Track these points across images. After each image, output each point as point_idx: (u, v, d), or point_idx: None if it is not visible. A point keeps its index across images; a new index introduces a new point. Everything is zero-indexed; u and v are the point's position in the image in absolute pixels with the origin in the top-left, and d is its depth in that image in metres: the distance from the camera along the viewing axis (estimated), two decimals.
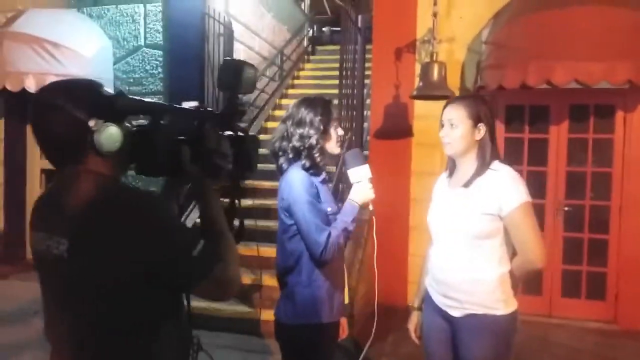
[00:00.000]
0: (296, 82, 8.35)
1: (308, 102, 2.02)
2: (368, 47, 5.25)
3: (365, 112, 5.46)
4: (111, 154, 1.12)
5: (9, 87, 5.12)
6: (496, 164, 1.91)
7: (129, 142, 1.15)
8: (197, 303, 4.20)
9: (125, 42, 5.95)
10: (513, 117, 4.71)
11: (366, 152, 5.16)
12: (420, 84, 4.13)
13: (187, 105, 1.30)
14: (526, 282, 2.00)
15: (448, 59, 4.59)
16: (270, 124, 7.00)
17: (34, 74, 5.20)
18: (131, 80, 5.90)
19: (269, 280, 3.95)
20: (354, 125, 5.17)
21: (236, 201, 1.36)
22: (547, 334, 4.18)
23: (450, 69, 4.54)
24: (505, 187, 1.83)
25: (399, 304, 4.36)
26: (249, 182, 5.26)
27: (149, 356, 1.14)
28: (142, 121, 1.25)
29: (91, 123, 1.09)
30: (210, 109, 1.29)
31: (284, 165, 2.00)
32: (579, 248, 4.55)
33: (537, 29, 3.85)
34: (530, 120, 4.66)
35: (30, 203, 5.73)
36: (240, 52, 6.82)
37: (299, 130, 1.96)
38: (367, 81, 5.32)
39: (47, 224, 1.15)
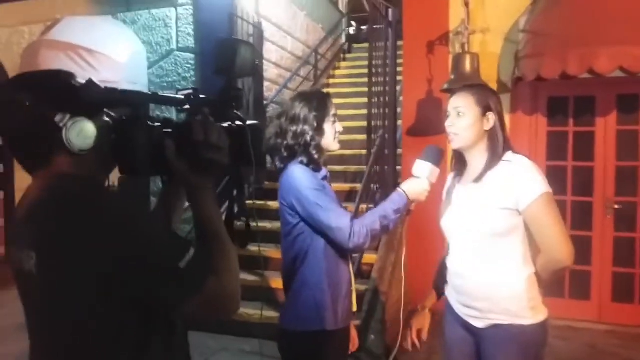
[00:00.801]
0: (331, 81, 8.22)
1: (303, 96, 1.90)
2: (400, 43, 5.07)
3: (399, 110, 5.28)
4: (86, 153, 0.99)
5: None
6: (509, 155, 1.74)
7: (107, 139, 1.01)
8: None
9: (158, 47, 6.00)
10: (556, 110, 4.43)
11: (400, 151, 5.00)
12: (452, 77, 3.94)
13: (182, 94, 1.15)
14: (550, 285, 1.78)
15: (483, 51, 4.36)
16: None
17: None
18: (165, 84, 5.94)
19: None
20: (386, 123, 5.00)
21: (239, 201, 1.24)
22: (596, 342, 3.89)
23: (486, 61, 4.33)
24: (521, 178, 1.66)
25: (434, 310, 4.17)
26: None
27: None
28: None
29: (57, 118, 0.96)
30: (202, 96, 1.13)
31: (279, 164, 1.89)
32: (631, 249, 4.24)
33: (577, 13, 3.60)
34: (575, 112, 4.38)
35: None
36: (272, 52, 6.76)
37: (293, 127, 1.84)
38: (399, 78, 5.14)
39: (18, 236, 1.04)
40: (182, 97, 1.16)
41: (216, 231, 1.05)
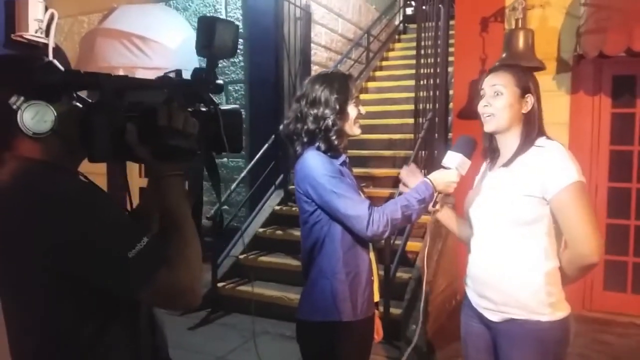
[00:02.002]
0: (384, 63, 8.01)
1: (324, 78, 1.80)
2: (452, 23, 4.84)
3: (450, 92, 5.06)
4: (43, 136, 0.97)
5: None
6: (542, 140, 1.63)
7: (73, 123, 0.98)
8: (267, 291, 4.16)
9: None
10: (622, 90, 4.08)
11: (450, 135, 4.80)
12: (504, 54, 3.70)
13: (167, 74, 1.11)
14: (574, 280, 1.67)
15: (542, 26, 4.07)
16: None
17: (124, 67, 5.44)
18: (215, 70, 5.99)
19: None
20: (437, 106, 4.81)
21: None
22: None
23: (545, 37, 4.04)
24: (552, 165, 1.55)
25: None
26: None
27: None
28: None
29: (12, 100, 0.95)
30: (180, 79, 1.09)
31: (299, 150, 1.81)
32: None
33: None
34: None
35: None
36: (322, 35, 6.66)
37: (314, 111, 1.76)
38: (451, 59, 4.91)
39: None
40: (157, 80, 1.11)
41: (177, 221, 1.02)
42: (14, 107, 0.95)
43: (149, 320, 1.11)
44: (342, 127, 1.76)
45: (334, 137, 1.75)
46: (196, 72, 1.09)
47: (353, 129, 1.81)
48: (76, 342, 0.98)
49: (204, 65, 1.12)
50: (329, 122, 1.74)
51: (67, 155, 1.04)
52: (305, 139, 1.78)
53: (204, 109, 1.11)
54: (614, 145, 4.06)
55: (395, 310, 3.59)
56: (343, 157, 1.81)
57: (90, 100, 1.03)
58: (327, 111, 1.74)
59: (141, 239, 0.95)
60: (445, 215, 1.88)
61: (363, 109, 1.83)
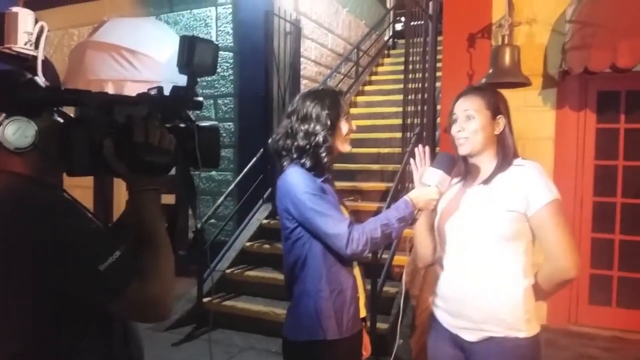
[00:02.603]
0: (374, 78, 8.09)
1: (314, 94, 1.80)
2: (439, 39, 4.90)
3: (438, 107, 5.11)
4: (25, 152, 1.00)
5: None
6: (520, 160, 1.69)
7: (53, 138, 1.03)
8: (254, 306, 4.14)
9: None
10: (606, 106, 4.14)
11: (438, 149, 4.84)
12: (491, 70, 3.75)
13: (150, 91, 1.15)
14: (549, 296, 1.72)
15: (528, 43, 4.14)
16: None
17: (113, 80, 5.44)
18: (204, 83, 6.01)
19: None
20: (424, 120, 4.85)
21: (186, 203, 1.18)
22: None
23: (531, 54, 4.11)
24: (533, 182, 1.60)
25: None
26: None
27: None
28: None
29: None
30: (159, 95, 1.12)
31: (286, 165, 1.81)
32: None
33: (627, 2, 3.33)
34: (627, 108, 4.06)
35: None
36: (311, 50, 6.72)
37: (304, 127, 1.75)
38: (439, 74, 4.97)
39: None
40: (136, 96, 1.14)
41: (151, 235, 1.06)
42: None
43: (123, 330, 1.13)
44: (332, 143, 1.76)
45: (323, 154, 1.74)
46: (175, 89, 1.13)
47: (344, 146, 1.81)
48: (53, 350, 1.01)
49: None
50: (320, 138, 1.73)
51: (47, 168, 1.07)
52: (295, 155, 1.77)
53: (182, 125, 1.14)
54: (598, 160, 4.11)
55: (382, 325, 3.59)
56: (327, 175, 1.80)
57: (70, 115, 1.07)
58: (318, 127, 1.74)
59: (114, 252, 0.98)
60: (422, 228, 1.84)
61: (354, 125, 1.83)
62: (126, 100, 1.12)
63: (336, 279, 1.74)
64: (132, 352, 1.16)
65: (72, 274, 0.96)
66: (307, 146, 1.74)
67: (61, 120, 1.06)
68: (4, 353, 1.01)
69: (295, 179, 1.71)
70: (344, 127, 1.79)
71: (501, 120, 1.68)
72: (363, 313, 1.84)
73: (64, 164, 1.05)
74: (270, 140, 1.87)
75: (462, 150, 1.70)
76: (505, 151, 1.68)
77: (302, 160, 1.75)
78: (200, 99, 1.15)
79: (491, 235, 1.61)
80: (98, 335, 1.06)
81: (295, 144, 1.76)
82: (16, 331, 1.00)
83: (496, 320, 1.60)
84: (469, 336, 1.65)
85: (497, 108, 1.68)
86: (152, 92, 1.14)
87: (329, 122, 1.74)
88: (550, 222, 1.57)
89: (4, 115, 0.98)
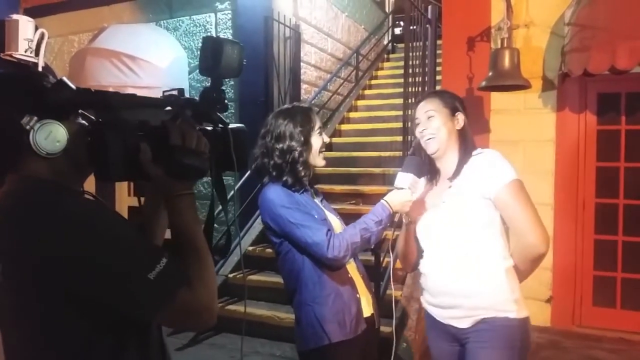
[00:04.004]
0: (374, 82, 8.09)
1: (285, 113, 1.88)
2: (439, 43, 4.91)
3: None
4: (55, 156, 0.95)
5: None
6: (478, 150, 1.82)
7: (82, 142, 0.98)
8: (257, 310, 4.13)
9: (198, 52, 6.07)
10: (607, 107, 4.15)
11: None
12: (490, 73, 3.75)
13: (166, 94, 1.13)
14: (527, 275, 1.80)
15: (527, 46, 4.15)
16: (344, 127, 6.84)
17: (114, 86, 5.44)
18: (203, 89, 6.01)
19: None
20: None
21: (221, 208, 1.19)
22: None
23: (530, 56, 4.12)
24: (491, 166, 1.73)
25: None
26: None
27: None
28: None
29: (24, 121, 0.92)
30: (185, 97, 1.10)
31: (266, 183, 1.88)
32: None
33: (626, 4, 3.34)
34: (627, 109, 4.07)
35: None
36: (311, 55, 6.72)
37: (279, 145, 1.82)
38: (439, 78, 4.98)
39: None
40: (162, 98, 1.13)
41: (192, 240, 1.02)
42: (27, 127, 0.93)
43: (159, 346, 1.10)
44: (307, 158, 1.82)
45: (300, 169, 1.80)
46: (205, 91, 1.10)
47: (317, 160, 1.86)
48: None
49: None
50: (295, 154, 1.79)
51: (74, 174, 1.03)
52: (274, 173, 1.83)
53: (209, 128, 1.12)
54: (600, 161, 4.11)
55: (385, 329, 3.57)
56: (306, 188, 1.86)
57: (95, 119, 1.02)
58: (292, 144, 1.80)
59: (160, 259, 0.93)
60: (402, 240, 1.95)
61: (327, 137, 1.90)
62: (154, 102, 1.10)
63: (329, 284, 1.77)
64: None
65: (117, 286, 0.91)
66: (284, 164, 1.80)
67: (87, 124, 1.01)
68: None
69: (271, 196, 1.77)
70: (316, 142, 1.85)
71: (460, 116, 1.82)
72: (367, 312, 1.86)
73: (89, 168, 1.01)
74: (249, 161, 1.91)
75: (430, 149, 1.81)
76: (467, 144, 1.80)
77: (284, 178, 1.80)
78: (226, 101, 1.14)
79: (465, 225, 1.71)
80: (136, 347, 1.02)
81: (272, 162, 1.82)
82: (47, 348, 0.95)
83: (485, 304, 1.69)
84: (462, 324, 1.73)
85: (454, 106, 1.82)
86: (173, 93, 1.12)
87: (302, 139, 1.81)
88: (513, 201, 1.67)
89: (35, 118, 0.93)
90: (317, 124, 1.87)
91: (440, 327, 1.80)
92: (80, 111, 1.02)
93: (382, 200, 1.83)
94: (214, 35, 5.96)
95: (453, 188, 1.77)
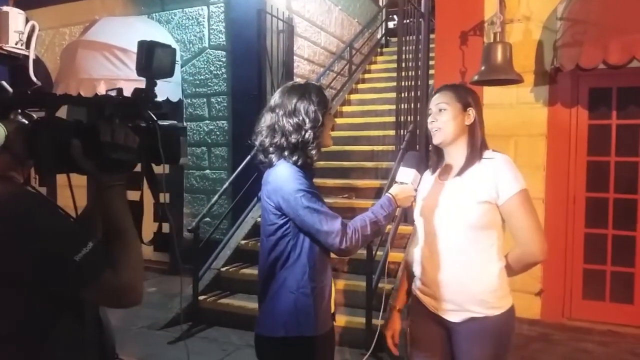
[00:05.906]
0: (367, 76, 8.08)
1: (300, 88, 1.77)
2: (432, 37, 4.91)
3: None
4: None
5: (82, 94, 5.31)
6: (490, 153, 1.82)
7: (20, 139, 1.09)
8: (249, 303, 4.13)
9: (190, 45, 6.05)
10: (598, 102, 4.17)
11: (431, 147, 4.85)
12: (483, 67, 3.76)
13: (109, 93, 1.22)
14: (517, 274, 1.86)
15: (519, 40, 4.17)
16: (337, 120, 6.81)
17: (105, 79, 5.41)
18: (197, 82, 6.00)
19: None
20: (417, 118, 4.87)
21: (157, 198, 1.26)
22: (638, 348, 3.63)
23: (523, 51, 4.14)
24: (502, 174, 1.74)
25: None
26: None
27: None
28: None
29: None
30: (119, 97, 1.19)
31: (275, 161, 1.75)
32: None
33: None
34: (618, 104, 4.10)
35: None
36: (304, 48, 6.71)
37: (293, 122, 1.71)
38: (432, 72, 4.98)
39: None
40: (97, 98, 1.19)
41: (120, 228, 1.15)
42: None
43: (95, 318, 1.21)
44: (321, 140, 1.75)
45: (313, 151, 1.72)
46: (137, 91, 1.18)
47: (328, 141, 1.80)
48: (29, 332, 1.07)
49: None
50: (310, 134, 1.71)
51: (15, 167, 1.13)
52: (286, 152, 1.72)
53: (143, 125, 1.20)
54: (591, 156, 4.14)
55: (377, 322, 3.59)
56: (312, 171, 1.80)
57: (35, 117, 1.14)
58: (307, 123, 1.71)
59: (87, 243, 1.04)
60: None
61: (334, 120, 1.85)
62: (88, 101, 1.20)
63: (319, 275, 1.72)
64: (106, 338, 1.24)
65: (48, 265, 1.02)
66: (297, 142, 1.71)
67: (26, 122, 1.12)
68: None
69: (288, 176, 1.68)
70: (329, 122, 1.79)
71: (471, 112, 1.81)
72: (333, 308, 1.83)
73: (31, 162, 1.13)
74: (254, 135, 1.86)
75: (436, 140, 1.83)
76: (474, 141, 1.80)
77: (294, 158, 1.71)
78: (160, 99, 1.21)
79: (466, 225, 1.74)
80: (71, 321, 1.12)
81: (283, 140, 1.72)
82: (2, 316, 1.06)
83: (476, 301, 1.73)
84: (453, 317, 1.77)
85: (467, 101, 1.81)
86: (112, 93, 1.21)
87: (319, 117, 1.72)
88: (518, 211, 1.71)
89: None
90: (330, 104, 1.82)
91: (429, 314, 1.84)
92: (20, 110, 1.13)
93: (387, 194, 1.79)
94: (207, 27, 5.93)
95: (459, 187, 1.78)
